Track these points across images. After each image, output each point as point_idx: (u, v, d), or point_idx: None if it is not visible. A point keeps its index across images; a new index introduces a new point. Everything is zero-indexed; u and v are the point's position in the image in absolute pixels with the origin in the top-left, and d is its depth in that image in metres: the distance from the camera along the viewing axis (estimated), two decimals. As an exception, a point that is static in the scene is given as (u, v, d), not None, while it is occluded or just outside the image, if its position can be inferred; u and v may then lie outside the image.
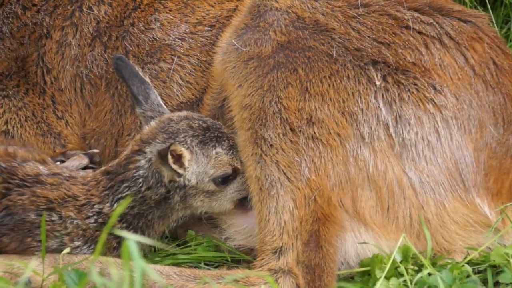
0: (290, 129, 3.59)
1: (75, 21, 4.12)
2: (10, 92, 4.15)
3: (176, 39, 4.04)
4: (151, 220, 3.65)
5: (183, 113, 3.76)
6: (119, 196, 3.61)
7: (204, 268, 3.78)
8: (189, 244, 3.89)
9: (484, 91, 3.69)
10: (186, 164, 3.59)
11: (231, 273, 3.53)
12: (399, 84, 3.62)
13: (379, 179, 3.57)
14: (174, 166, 3.55)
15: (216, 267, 3.80)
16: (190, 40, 4.04)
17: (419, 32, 3.71)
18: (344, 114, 3.59)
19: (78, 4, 4.13)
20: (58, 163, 3.93)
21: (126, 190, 3.61)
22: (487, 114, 3.67)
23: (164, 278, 3.50)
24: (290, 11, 3.77)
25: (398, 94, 3.61)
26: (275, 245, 3.53)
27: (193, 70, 4.02)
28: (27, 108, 4.14)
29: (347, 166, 3.57)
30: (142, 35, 4.07)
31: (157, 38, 4.06)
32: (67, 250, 3.55)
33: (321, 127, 3.58)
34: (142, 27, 4.09)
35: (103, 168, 3.72)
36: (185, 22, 4.07)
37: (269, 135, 3.60)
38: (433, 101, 3.61)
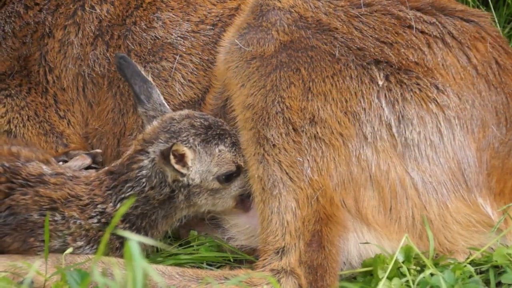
0: (293, 129, 3.59)
1: (78, 20, 4.11)
2: (13, 92, 4.14)
3: (178, 38, 4.04)
4: (155, 220, 3.64)
5: (185, 111, 3.75)
6: (122, 196, 3.61)
7: (206, 268, 3.77)
8: (191, 244, 3.88)
9: (487, 91, 3.68)
10: (189, 163, 3.59)
11: (233, 273, 3.53)
12: (401, 84, 3.62)
13: (382, 179, 3.57)
14: (177, 166, 3.54)
15: (218, 267, 3.80)
16: (192, 38, 4.03)
17: (422, 32, 3.71)
18: (346, 114, 3.59)
19: (80, 3, 4.12)
20: (60, 163, 3.93)
21: (129, 190, 3.61)
22: (489, 114, 3.66)
23: (166, 278, 3.50)
24: (293, 10, 3.76)
25: (401, 93, 3.61)
26: (277, 245, 3.52)
27: (195, 69, 4.01)
28: (30, 107, 4.14)
29: (349, 166, 3.57)
30: (144, 34, 4.06)
31: (159, 37, 4.05)
32: (69, 250, 3.55)
33: (324, 127, 3.58)
34: (144, 26, 4.07)
35: (106, 168, 3.71)
36: (187, 21, 4.06)
37: (272, 135, 3.60)
38: (436, 101, 3.61)
